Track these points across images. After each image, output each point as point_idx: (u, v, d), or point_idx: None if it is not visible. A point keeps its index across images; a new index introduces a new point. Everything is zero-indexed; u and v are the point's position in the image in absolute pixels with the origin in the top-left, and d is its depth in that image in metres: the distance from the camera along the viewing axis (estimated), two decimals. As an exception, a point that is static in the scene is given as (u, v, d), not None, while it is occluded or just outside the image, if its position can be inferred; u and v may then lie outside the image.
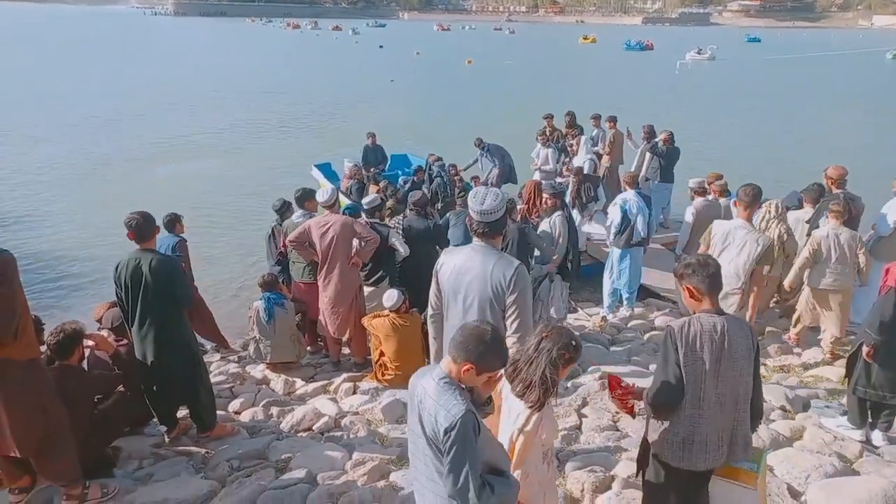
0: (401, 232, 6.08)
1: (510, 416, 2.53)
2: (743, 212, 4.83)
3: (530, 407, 2.41)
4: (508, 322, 2.81)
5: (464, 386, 2.16)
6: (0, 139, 18.16)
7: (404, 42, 75.09)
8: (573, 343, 2.45)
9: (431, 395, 2.12)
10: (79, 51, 50.59)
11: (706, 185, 7.12)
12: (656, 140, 9.73)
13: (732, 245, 4.74)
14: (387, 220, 6.75)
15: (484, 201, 2.84)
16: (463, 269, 2.87)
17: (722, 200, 7.00)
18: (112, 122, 21.62)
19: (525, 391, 2.43)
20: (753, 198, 4.80)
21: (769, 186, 7.19)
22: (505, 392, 2.57)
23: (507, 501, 2.19)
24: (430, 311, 3.17)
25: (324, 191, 5.82)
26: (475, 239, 2.91)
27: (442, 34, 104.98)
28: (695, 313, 2.65)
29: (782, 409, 4.60)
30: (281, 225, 6.44)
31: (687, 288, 2.65)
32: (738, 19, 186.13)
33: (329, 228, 5.47)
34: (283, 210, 6.56)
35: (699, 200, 6.80)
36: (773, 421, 4.38)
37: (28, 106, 24.03)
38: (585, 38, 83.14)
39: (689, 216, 6.80)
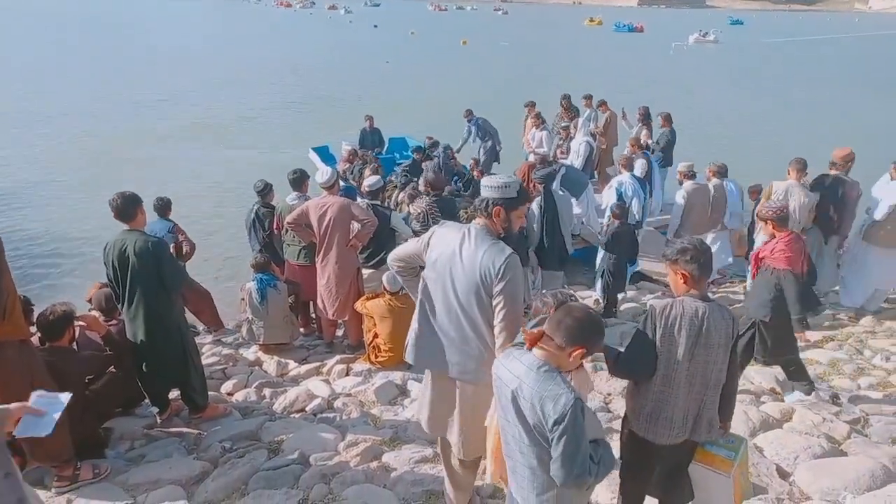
0: (438, 214, 6.06)
1: None
2: (796, 174, 6.15)
3: None
4: (496, 311, 2.76)
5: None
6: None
7: (399, 22, 74.26)
8: (564, 300, 2.53)
9: (530, 385, 2.09)
10: (66, 28, 49.73)
11: (695, 169, 7.14)
12: (655, 140, 9.70)
13: (792, 198, 6.04)
14: (408, 207, 6.82)
15: (502, 177, 2.84)
16: (454, 251, 2.81)
17: (714, 181, 7.01)
18: (104, 100, 21.32)
19: None
20: (804, 165, 6.20)
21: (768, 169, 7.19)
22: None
23: (609, 464, 2.22)
24: (400, 262, 3.08)
25: (323, 172, 5.77)
26: (477, 218, 2.87)
27: (438, 14, 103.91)
28: (679, 297, 2.65)
29: (772, 391, 4.64)
30: (263, 207, 6.40)
31: (681, 273, 2.63)
32: (733, 2, 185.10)
33: (327, 210, 5.43)
34: (266, 192, 6.52)
35: (689, 184, 6.83)
36: (764, 403, 4.42)
37: (14, 84, 23.64)
38: (592, 21, 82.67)
39: (679, 199, 6.81)
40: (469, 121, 11.08)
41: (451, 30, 63.45)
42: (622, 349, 2.76)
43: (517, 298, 2.76)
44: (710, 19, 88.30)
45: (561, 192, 6.33)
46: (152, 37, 46.34)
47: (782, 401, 4.49)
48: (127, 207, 3.95)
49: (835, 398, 4.50)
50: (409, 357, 3.08)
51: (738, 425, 3.82)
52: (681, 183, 6.95)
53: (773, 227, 4.36)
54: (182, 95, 22.94)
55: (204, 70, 29.91)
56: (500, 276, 2.68)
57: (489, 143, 10.88)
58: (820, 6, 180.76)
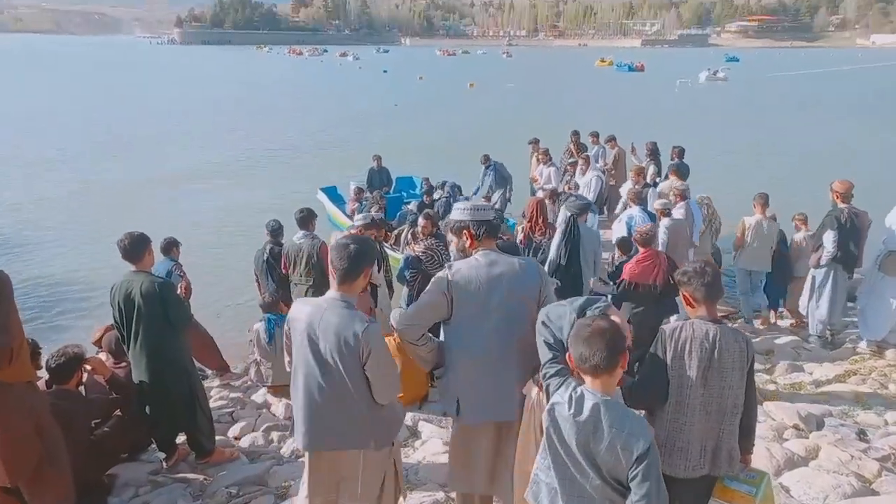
0: (445, 252, 6.13)
1: None
2: (761, 210, 7.02)
3: None
4: None
5: None
6: (2, 163, 18.29)
7: (408, 67, 76.06)
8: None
9: (610, 423, 2.08)
10: (86, 79, 51.35)
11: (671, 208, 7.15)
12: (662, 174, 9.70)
13: (762, 230, 6.98)
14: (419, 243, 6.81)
15: (472, 203, 3.03)
16: (491, 274, 2.82)
17: (680, 203, 7.11)
18: (116, 146, 21.77)
19: None
20: (766, 199, 7.04)
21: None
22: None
23: None
24: (422, 329, 2.96)
25: (363, 216, 6.09)
26: (478, 244, 2.92)
27: (446, 59, 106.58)
28: (689, 319, 2.65)
29: (795, 427, 4.48)
30: (276, 245, 6.39)
31: (684, 295, 2.68)
32: (736, 40, 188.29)
33: None
34: (279, 231, 6.53)
35: (665, 221, 6.77)
36: (787, 440, 4.26)
37: (32, 131, 24.26)
38: (603, 61, 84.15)
39: (662, 235, 6.77)
40: (487, 167, 10.76)
41: (458, 74, 64.77)
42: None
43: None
44: (712, 58, 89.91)
45: (593, 229, 6.30)
46: (169, 84, 47.58)
47: (807, 437, 4.33)
48: (135, 248, 3.96)
49: (862, 434, 4.34)
50: (467, 421, 2.97)
51: (761, 461, 3.67)
52: (659, 220, 6.89)
53: (637, 242, 5.32)
54: (193, 141, 23.40)
55: (216, 115, 30.60)
56: (545, 282, 2.90)
57: (504, 189, 10.74)
58: (822, 42, 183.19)
